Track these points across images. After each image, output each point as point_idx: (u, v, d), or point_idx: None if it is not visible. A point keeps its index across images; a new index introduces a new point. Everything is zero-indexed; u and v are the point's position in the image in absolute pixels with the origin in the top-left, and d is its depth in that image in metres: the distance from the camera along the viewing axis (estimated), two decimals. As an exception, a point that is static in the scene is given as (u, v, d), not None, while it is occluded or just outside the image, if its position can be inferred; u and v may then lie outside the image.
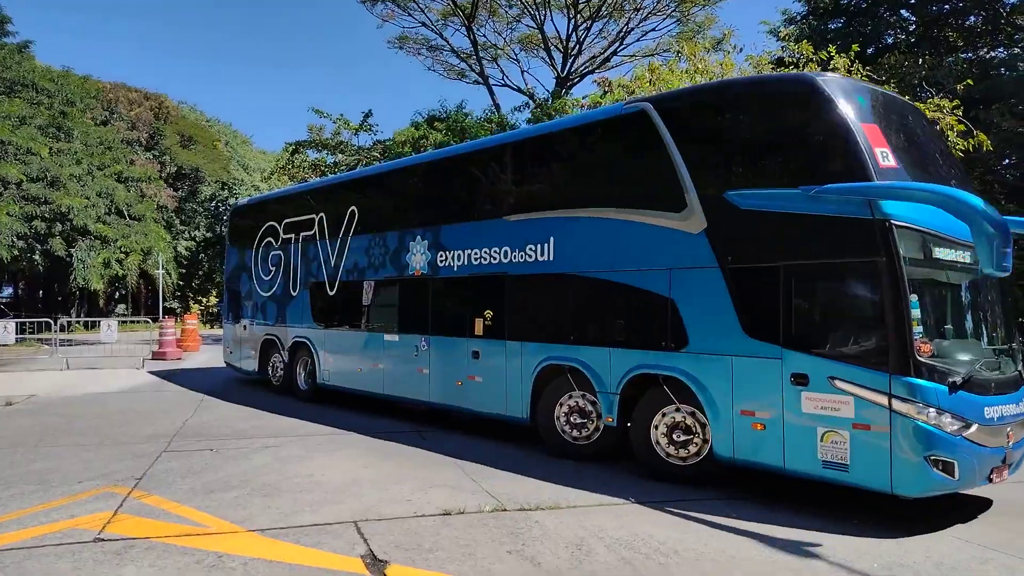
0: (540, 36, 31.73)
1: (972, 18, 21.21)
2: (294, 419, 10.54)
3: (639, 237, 7.33)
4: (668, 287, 7.00)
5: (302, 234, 12.70)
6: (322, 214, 12.26)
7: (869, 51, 20.50)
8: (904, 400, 5.47)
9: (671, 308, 6.98)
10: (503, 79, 33.71)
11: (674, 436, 7.00)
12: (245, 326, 14.33)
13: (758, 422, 6.26)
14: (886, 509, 6.15)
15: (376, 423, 10.30)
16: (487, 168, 9.42)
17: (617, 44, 31.89)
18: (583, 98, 22.22)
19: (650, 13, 30.23)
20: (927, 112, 13.56)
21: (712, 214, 6.69)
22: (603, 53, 32.21)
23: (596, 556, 4.93)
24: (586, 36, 31.20)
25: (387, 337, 10.72)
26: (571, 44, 31.32)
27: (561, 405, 8.16)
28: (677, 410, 6.99)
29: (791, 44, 16.24)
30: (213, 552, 4.91)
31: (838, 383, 5.76)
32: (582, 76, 32.10)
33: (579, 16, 30.15)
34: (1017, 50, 20.81)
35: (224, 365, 15.98)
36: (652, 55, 27.68)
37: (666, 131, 7.16)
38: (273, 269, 13.36)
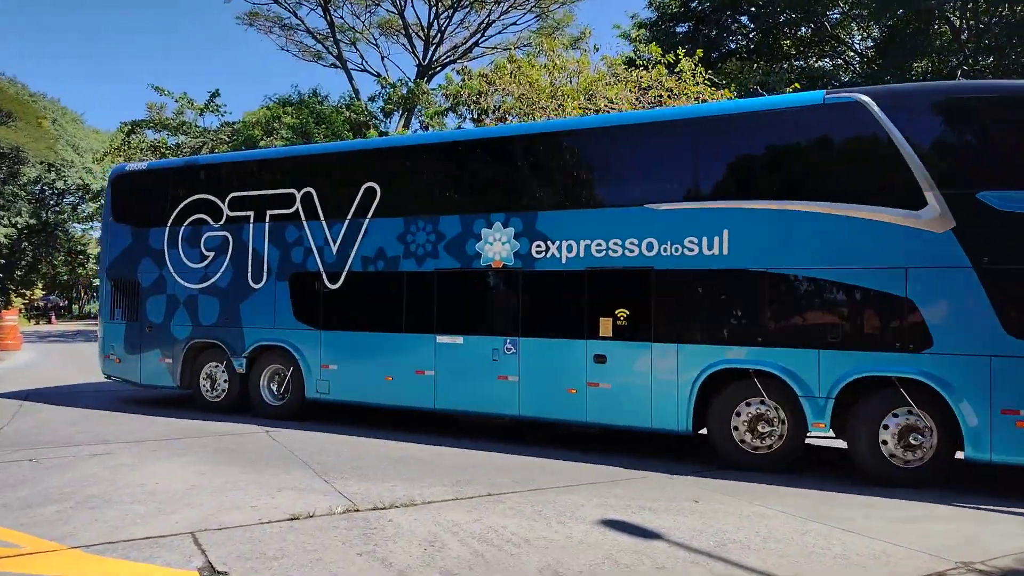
0: (400, 22, 31.22)
1: (803, 29, 23.07)
2: (134, 422, 9.75)
3: (860, 234, 6.99)
4: (904, 286, 6.80)
5: (271, 212, 10.42)
6: (309, 189, 10.15)
7: (713, 55, 21.81)
8: None
9: (908, 308, 6.80)
10: (363, 64, 32.96)
11: (910, 439, 6.85)
12: (150, 327, 11.16)
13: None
14: (724, 488, 6.61)
15: (221, 425, 9.74)
16: (624, 149, 8.37)
17: (479, 35, 32.03)
18: (442, 85, 22.07)
19: (511, 6, 30.56)
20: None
21: (962, 214, 6.64)
22: (465, 43, 32.23)
23: (449, 552, 4.90)
24: (448, 25, 31.06)
25: (442, 339, 9.13)
26: (433, 32, 31.06)
27: (738, 414, 7.56)
28: (910, 412, 6.87)
29: (641, 46, 16.96)
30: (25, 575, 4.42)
31: None
32: (444, 66, 31.95)
33: (440, 4, 29.94)
34: (840, 61, 22.91)
35: (103, 378, 12.22)
36: (513, 48, 28.01)
37: (892, 126, 6.94)
38: (210, 255, 10.74)
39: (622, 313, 8.05)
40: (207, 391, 10.87)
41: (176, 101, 25.93)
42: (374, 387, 9.52)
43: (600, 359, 8.12)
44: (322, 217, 10.03)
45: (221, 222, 10.80)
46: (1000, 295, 6.52)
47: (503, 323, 8.79)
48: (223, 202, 10.81)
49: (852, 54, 23.31)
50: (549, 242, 8.48)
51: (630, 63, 17.35)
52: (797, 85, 17.37)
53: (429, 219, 9.25)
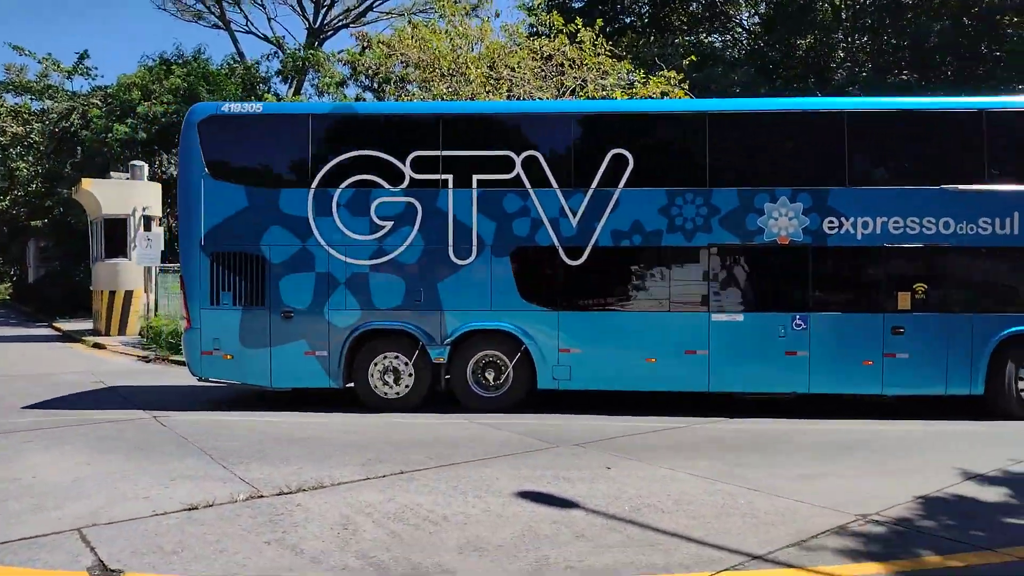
0: (288, -18, 29.72)
1: (694, 4, 23.62)
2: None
3: None
4: None
5: (479, 177, 9.07)
6: (533, 153, 9.03)
7: (608, 30, 21.99)
8: None
9: None
10: (248, 26, 31.15)
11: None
12: (289, 313, 9.08)
13: None
14: (639, 454, 6.74)
15: (100, 412, 9.04)
16: (943, 132, 9.08)
17: (373, -1, 30.90)
18: (339, 52, 21.20)
19: (406, -31, 29.65)
20: (658, 86, 14.93)
21: None
22: (358, 7, 31.05)
23: (364, 534, 4.71)
24: (339, -13, 29.81)
25: (717, 318, 8.86)
26: (324, -6, 29.74)
27: None
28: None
29: (543, 14, 16.84)
30: None
31: None
32: (336, 29, 30.73)
33: (331, -35, 28.67)
34: (729, 37, 23.66)
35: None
36: (410, 14, 27.22)
37: None
38: (386, 224, 9.06)
39: (920, 287, 8.71)
40: (383, 387, 9.22)
41: (40, 62, 23.72)
42: (630, 371, 8.94)
43: (897, 331, 8.68)
44: (555, 185, 9.00)
45: (403, 185, 9.11)
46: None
47: (792, 299, 8.89)
48: (403, 162, 9.10)
49: (740, 30, 24.13)
50: (842, 219, 8.74)
51: (532, 33, 17.21)
52: (694, 58, 17.78)
53: (698, 191, 8.82)
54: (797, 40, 19.98)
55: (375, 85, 19.16)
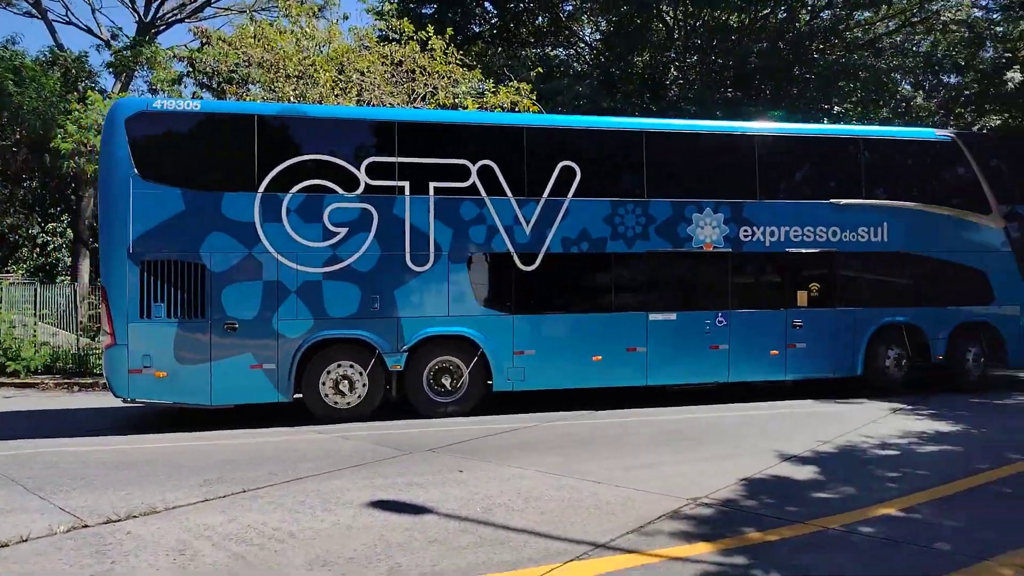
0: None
1: (540, 18, 24.35)
2: None
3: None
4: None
5: (435, 184, 9.20)
6: (488, 162, 9.33)
7: (459, 38, 22.21)
8: None
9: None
10: (67, 16, 28.55)
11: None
12: (232, 325, 8.58)
13: None
14: (491, 455, 6.85)
15: None
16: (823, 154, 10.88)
17: (210, -7, 29.26)
18: (175, 47, 19.88)
19: (247, -36, 28.33)
20: (507, 96, 15.25)
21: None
22: (194, 1, 29.30)
23: (203, 558, 4.46)
24: (173, -21, 27.97)
25: (654, 317, 9.70)
26: (155, -14, 27.79)
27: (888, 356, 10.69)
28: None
29: (393, 20, 16.70)
30: None
31: None
32: (169, 24, 28.81)
33: (163, -47, 26.87)
34: (573, 51, 24.61)
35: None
36: (251, 11, 26.01)
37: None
38: (340, 231, 8.91)
39: (814, 287, 10.41)
40: (335, 396, 8.98)
41: None
42: (579, 370, 9.54)
43: (796, 325, 10.32)
44: (509, 194, 9.38)
45: (357, 191, 9.03)
46: None
47: (715, 299, 10.09)
48: (358, 167, 9.04)
49: (583, 45, 25.16)
50: (754, 228, 10.19)
51: (383, 37, 17.01)
52: (540, 70, 18.32)
53: (637, 202, 9.84)
54: (634, 58, 21.13)
55: (215, 84, 18.15)
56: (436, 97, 15.21)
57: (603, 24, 23.82)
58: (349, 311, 8.91)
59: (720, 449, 7.33)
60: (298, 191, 8.85)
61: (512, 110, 14.84)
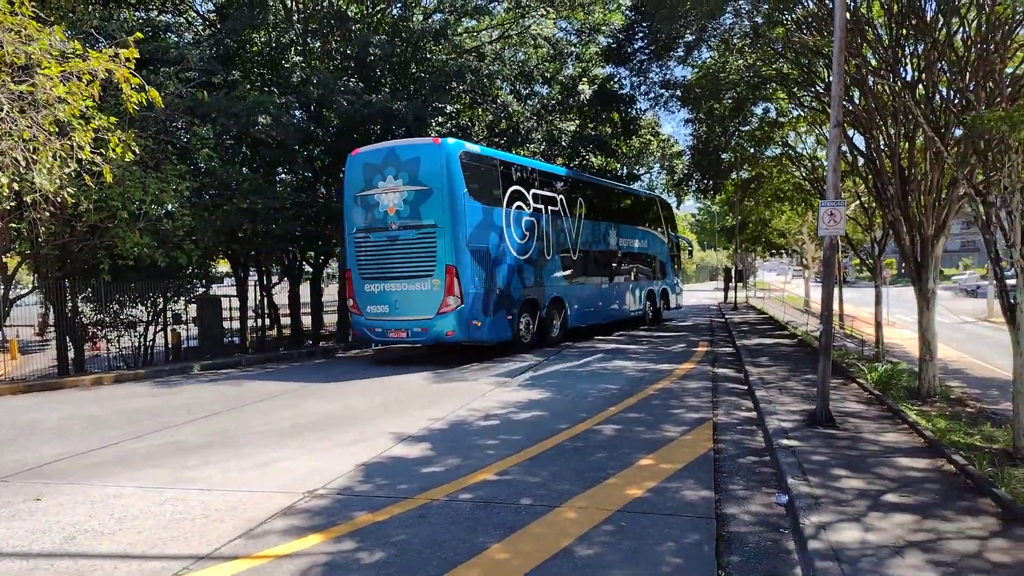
0: None
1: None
2: None
3: None
4: None
5: (551, 208, 16.45)
6: (561, 196, 16.95)
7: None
8: None
9: None
10: None
11: None
12: (499, 291, 13.96)
13: None
14: (82, 475, 5.92)
15: None
16: None
17: None
18: None
19: None
20: (99, 62, 13.26)
21: None
22: None
23: None
24: None
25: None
26: None
27: None
28: None
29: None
30: None
31: None
32: None
33: None
34: (183, 19, 22.48)
35: None
36: None
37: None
38: (527, 233, 15.11)
39: None
40: (523, 335, 14.80)
41: None
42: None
43: None
44: (565, 215, 17.06)
45: (530, 209, 15.40)
46: None
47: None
48: (529, 194, 15.46)
49: (194, 15, 23.12)
50: None
51: None
52: (139, 35, 16.26)
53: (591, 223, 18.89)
54: (252, 34, 20.12)
55: None
56: (0, 52, 12.55)
57: (217, -5, 22.19)
58: (530, 283, 15.10)
59: (339, 436, 7.43)
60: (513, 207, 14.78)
61: (108, 79, 12.98)
